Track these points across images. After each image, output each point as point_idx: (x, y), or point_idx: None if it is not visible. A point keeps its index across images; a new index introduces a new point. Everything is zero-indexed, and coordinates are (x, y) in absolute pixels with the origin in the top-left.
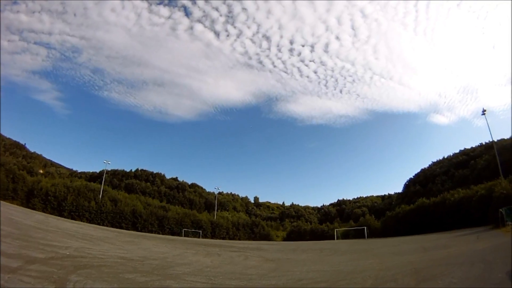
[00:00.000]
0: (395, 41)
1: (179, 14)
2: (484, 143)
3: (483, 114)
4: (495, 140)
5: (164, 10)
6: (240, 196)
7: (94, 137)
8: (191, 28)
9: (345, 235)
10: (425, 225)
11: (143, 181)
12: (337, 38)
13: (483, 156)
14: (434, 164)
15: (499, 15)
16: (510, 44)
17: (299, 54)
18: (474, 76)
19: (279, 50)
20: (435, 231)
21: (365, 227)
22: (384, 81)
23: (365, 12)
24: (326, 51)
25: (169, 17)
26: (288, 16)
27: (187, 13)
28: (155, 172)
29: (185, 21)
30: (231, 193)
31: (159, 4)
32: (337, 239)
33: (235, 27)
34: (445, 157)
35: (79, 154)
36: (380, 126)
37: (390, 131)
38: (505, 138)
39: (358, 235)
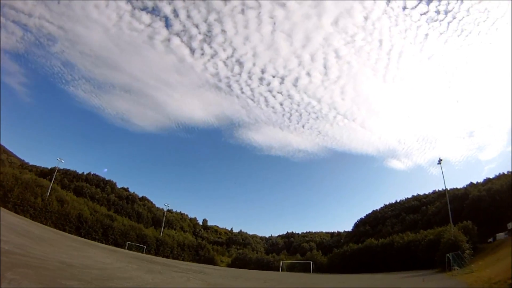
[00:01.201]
0: (364, 85)
1: (159, 24)
2: (437, 191)
3: (439, 163)
4: (448, 188)
5: (146, 17)
6: (189, 216)
7: (51, 131)
8: (168, 40)
9: (291, 268)
10: (372, 265)
11: (93, 186)
12: (308, 74)
13: (435, 203)
14: (386, 206)
15: (465, 72)
16: (472, 99)
17: (269, 84)
18: (435, 127)
19: (250, 77)
20: (382, 271)
21: (311, 262)
22: (347, 121)
23: (339, 53)
24: (295, 85)
25: (149, 25)
26: (264, 45)
27: (168, 24)
28: (107, 179)
29: (164, 32)
30: (180, 212)
31: (143, 10)
32: (282, 271)
33: (211, 47)
34: (397, 201)
35: (33, 146)
36: (337, 165)
37: (346, 171)
38: (458, 187)
39: (304, 269)
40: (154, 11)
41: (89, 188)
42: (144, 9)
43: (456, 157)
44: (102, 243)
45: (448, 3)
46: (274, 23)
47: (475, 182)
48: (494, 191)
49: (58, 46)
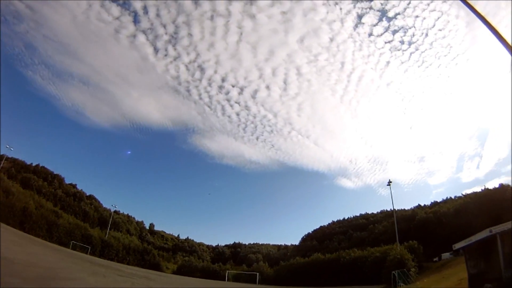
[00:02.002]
0: (321, 104)
1: (127, 19)
2: (385, 210)
3: (388, 185)
4: (396, 209)
5: (115, 9)
6: (136, 219)
7: (3, 116)
8: (134, 36)
9: (237, 278)
10: (318, 279)
11: (41, 179)
12: (268, 87)
13: (382, 222)
14: (334, 223)
15: (422, 101)
16: (425, 127)
17: (227, 93)
18: (387, 150)
19: (209, 84)
20: (328, 286)
21: (258, 273)
22: (300, 138)
23: (301, 70)
24: (253, 97)
25: (117, 18)
26: (228, 54)
27: (136, 20)
28: (55, 173)
29: (131, 27)
30: (127, 214)
31: (114, 1)
32: (228, 281)
33: (175, 49)
34: (346, 218)
35: None
36: (288, 179)
37: (296, 185)
38: (406, 209)
39: (250, 280)
40: (125, 5)
41: (36, 181)
42: (115, 0)
43: (406, 180)
44: (46, 240)
45: (413, 35)
46: (241, 34)
47: (422, 205)
48: (441, 214)
49: (23, 26)
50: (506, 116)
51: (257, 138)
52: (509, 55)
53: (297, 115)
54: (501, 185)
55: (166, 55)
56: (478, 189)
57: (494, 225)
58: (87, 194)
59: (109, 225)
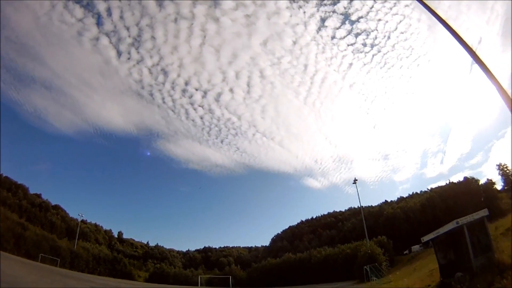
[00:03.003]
0: (285, 106)
1: (91, 21)
2: (352, 208)
3: (354, 183)
4: (364, 206)
5: (78, 11)
6: (104, 228)
7: None
8: (97, 39)
9: (209, 283)
10: (291, 279)
11: (4, 190)
12: (231, 90)
13: (351, 220)
14: (303, 223)
15: (384, 101)
16: (389, 126)
17: (191, 96)
18: (352, 149)
19: (173, 88)
20: (301, 284)
21: (230, 277)
22: (265, 140)
23: (264, 73)
24: (217, 100)
25: (81, 20)
26: (191, 57)
27: (99, 22)
28: (18, 182)
29: (94, 30)
30: (95, 223)
31: (77, 3)
32: (201, 285)
33: (138, 52)
34: (314, 217)
35: None
36: (254, 181)
37: (263, 187)
38: (373, 205)
39: (223, 283)
40: (88, 6)
41: (0, 192)
42: (79, 1)
43: (371, 177)
44: (14, 254)
45: (376, 37)
46: (205, 37)
47: (389, 201)
48: (408, 209)
49: None
50: (467, 113)
51: (221, 142)
52: (468, 56)
53: (261, 118)
54: (466, 178)
55: (129, 59)
56: (442, 183)
57: (459, 216)
58: (53, 204)
59: (77, 235)
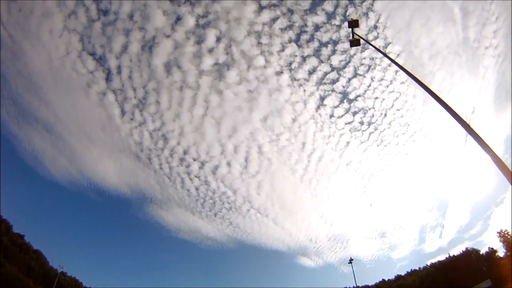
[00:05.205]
0: (280, 183)
1: (101, 75)
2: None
3: (350, 262)
4: (360, 286)
5: (91, 63)
6: (84, 285)
7: None
8: (104, 94)
9: None
10: None
11: None
12: (228, 164)
13: None
14: None
15: (381, 178)
16: (385, 203)
17: (188, 166)
18: (347, 227)
19: (171, 155)
20: None
21: None
22: (259, 216)
23: (262, 149)
24: (214, 172)
25: (91, 72)
26: (192, 127)
27: (108, 78)
28: (3, 217)
29: (103, 84)
30: (74, 277)
31: (91, 54)
32: None
33: (142, 114)
34: None
35: None
36: (246, 257)
37: (255, 264)
38: (369, 284)
39: None
40: (100, 60)
41: None
42: (92, 54)
43: (368, 256)
44: None
45: (373, 116)
46: (207, 108)
47: (386, 279)
48: (406, 286)
49: (2, 53)
50: (464, 184)
51: (215, 215)
52: (463, 130)
53: (257, 193)
54: (466, 250)
55: (132, 119)
56: (442, 257)
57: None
58: (34, 248)
59: (54, 286)
